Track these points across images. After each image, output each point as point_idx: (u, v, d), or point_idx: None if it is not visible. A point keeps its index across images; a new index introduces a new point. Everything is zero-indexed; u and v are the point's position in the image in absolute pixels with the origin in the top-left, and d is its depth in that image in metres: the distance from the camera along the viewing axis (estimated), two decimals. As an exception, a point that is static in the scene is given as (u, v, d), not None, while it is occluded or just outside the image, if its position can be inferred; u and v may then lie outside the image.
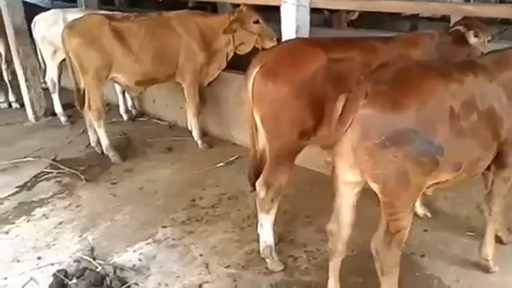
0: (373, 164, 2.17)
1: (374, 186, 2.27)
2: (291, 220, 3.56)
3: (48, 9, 5.72)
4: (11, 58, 5.85)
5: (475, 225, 3.36)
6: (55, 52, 5.34)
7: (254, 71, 2.77)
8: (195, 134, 4.89)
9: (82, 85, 4.52)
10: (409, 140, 2.09)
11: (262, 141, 2.99)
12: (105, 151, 4.71)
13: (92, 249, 3.36)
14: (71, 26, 4.38)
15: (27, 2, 6.38)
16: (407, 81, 2.21)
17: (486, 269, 2.96)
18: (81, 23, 4.41)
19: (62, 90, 5.71)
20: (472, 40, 3.23)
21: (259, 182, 2.94)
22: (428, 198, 3.54)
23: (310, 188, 3.93)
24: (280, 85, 2.70)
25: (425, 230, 3.40)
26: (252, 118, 2.89)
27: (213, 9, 7.21)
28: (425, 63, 2.64)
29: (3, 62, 6.10)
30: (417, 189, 2.26)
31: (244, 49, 4.65)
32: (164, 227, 3.60)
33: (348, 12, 7.00)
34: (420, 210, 3.53)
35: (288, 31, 3.87)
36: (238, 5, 4.70)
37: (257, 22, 4.49)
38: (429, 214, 3.56)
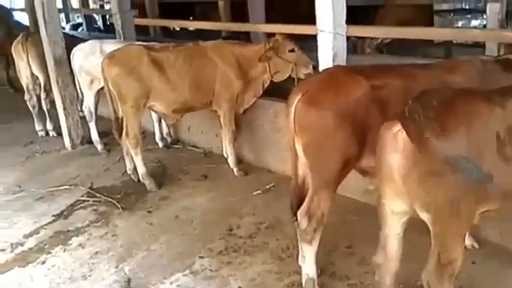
0: (424, 193, 2.11)
1: (425, 216, 2.20)
2: (332, 250, 3.44)
3: (87, 40, 5.87)
4: (50, 87, 6.00)
5: (527, 256, 3.20)
6: (92, 81, 5.44)
7: (296, 98, 2.74)
8: (231, 161, 4.85)
9: (120, 114, 4.58)
10: (461, 167, 2.03)
11: (303, 170, 2.94)
12: (141, 179, 4.71)
13: (129, 281, 3.32)
14: (111, 56, 4.47)
15: (66, 33, 6.57)
16: (454, 107, 2.14)
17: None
18: (121, 53, 4.51)
19: (99, 119, 5.79)
20: None
21: (300, 212, 2.86)
22: (474, 228, 3.39)
23: (350, 217, 3.81)
24: (323, 112, 2.66)
25: (473, 262, 3.22)
26: (294, 146, 2.85)
27: (246, 38, 7.25)
28: (468, 88, 2.58)
29: (42, 91, 6.24)
30: (468, 218, 2.19)
31: (280, 77, 4.63)
32: (201, 257, 3.53)
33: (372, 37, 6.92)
34: (467, 240, 3.37)
35: (325, 59, 3.85)
36: (272, 35, 4.73)
37: (292, 50, 4.48)
38: (476, 245, 3.40)
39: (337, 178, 2.78)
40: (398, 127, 2.14)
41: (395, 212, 2.33)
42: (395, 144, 2.14)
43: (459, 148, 2.03)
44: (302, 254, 2.97)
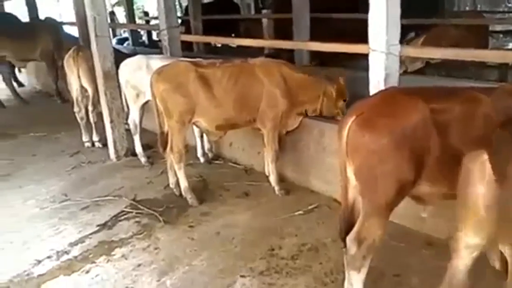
0: None
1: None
2: (379, 278, 3.31)
3: (134, 55, 5.99)
4: (98, 100, 6.15)
5: None
6: (137, 95, 5.54)
7: (350, 120, 2.67)
8: (273, 180, 4.80)
9: (166, 128, 4.62)
10: None
11: (353, 194, 2.86)
12: (183, 193, 4.73)
13: (171, 295, 3.30)
14: (159, 72, 4.53)
15: (115, 48, 6.73)
16: None
17: None
18: (169, 69, 4.56)
19: (142, 132, 5.87)
20: None
21: (350, 237, 2.77)
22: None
23: (397, 244, 3.67)
24: (379, 135, 2.58)
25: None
26: (345, 169, 2.78)
27: (289, 56, 7.25)
28: None
29: (90, 104, 6.41)
30: None
31: (312, 112, 4.78)
32: (242, 276, 3.48)
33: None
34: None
35: (376, 80, 3.77)
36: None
37: (344, 101, 4.60)
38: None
39: (390, 204, 2.69)
40: (485, 156, 2.07)
41: (470, 245, 2.25)
42: (481, 175, 2.06)
43: None
44: (350, 281, 2.88)
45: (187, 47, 8.77)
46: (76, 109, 6.53)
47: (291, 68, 4.77)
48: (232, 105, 4.52)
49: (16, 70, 11.34)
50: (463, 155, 2.60)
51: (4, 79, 10.02)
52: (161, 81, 4.46)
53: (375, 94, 3.08)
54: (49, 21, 9.97)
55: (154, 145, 6.16)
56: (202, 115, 4.57)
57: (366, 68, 3.91)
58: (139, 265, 3.71)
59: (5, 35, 9.03)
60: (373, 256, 2.82)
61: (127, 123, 5.93)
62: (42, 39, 9.26)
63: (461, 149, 2.62)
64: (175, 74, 4.50)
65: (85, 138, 6.63)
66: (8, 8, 12.47)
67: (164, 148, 4.69)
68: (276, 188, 4.79)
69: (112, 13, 15.54)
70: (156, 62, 5.32)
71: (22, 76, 11.78)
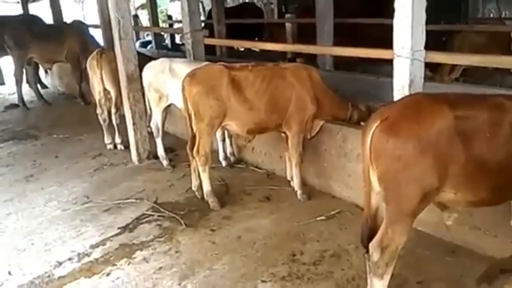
0: None
1: None
2: (401, 285, 3.27)
3: (157, 58, 6.04)
4: (121, 102, 6.20)
5: None
6: (160, 98, 5.56)
7: (374, 125, 2.64)
8: (296, 184, 4.78)
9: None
10: None
11: (376, 200, 2.82)
12: (205, 197, 4.73)
13: (192, 299, 3.30)
14: (192, 75, 4.51)
15: (139, 52, 6.80)
16: None
17: None
18: (202, 72, 4.54)
19: (164, 135, 5.91)
20: None
21: (373, 244, 2.74)
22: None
23: (421, 251, 3.63)
24: (403, 141, 2.54)
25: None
26: (368, 175, 2.75)
27: (312, 61, 7.23)
28: None
29: (113, 106, 6.47)
30: None
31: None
32: (263, 281, 3.46)
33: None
34: None
35: (400, 85, 3.72)
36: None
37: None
38: None
39: (414, 211, 2.64)
40: None
41: None
42: None
43: None
44: (372, 288, 2.84)
45: (209, 51, 8.82)
46: (99, 111, 6.60)
47: (322, 76, 4.75)
48: (264, 109, 4.49)
49: (43, 72, 11.56)
50: (488, 162, 2.57)
51: (28, 81, 10.20)
52: (194, 84, 4.44)
53: (400, 100, 3.04)
54: (76, 24, 10.15)
55: (176, 148, 6.25)
56: (233, 119, 4.55)
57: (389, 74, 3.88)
58: (160, 268, 3.72)
59: (33, 37, 9.22)
60: (396, 263, 2.78)
61: (149, 126, 5.97)
62: (69, 41, 9.43)
63: (486, 157, 2.58)
64: (208, 77, 4.48)
65: (107, 140, 6.71)
66: (32, 10, 12.69)
67: (193, 151, 4.68)
68: (299, 192, 4.77)
69: (136, 16, 15.69)
70: (179, 65, 5.36)
71: (45, 78, 12.00)
